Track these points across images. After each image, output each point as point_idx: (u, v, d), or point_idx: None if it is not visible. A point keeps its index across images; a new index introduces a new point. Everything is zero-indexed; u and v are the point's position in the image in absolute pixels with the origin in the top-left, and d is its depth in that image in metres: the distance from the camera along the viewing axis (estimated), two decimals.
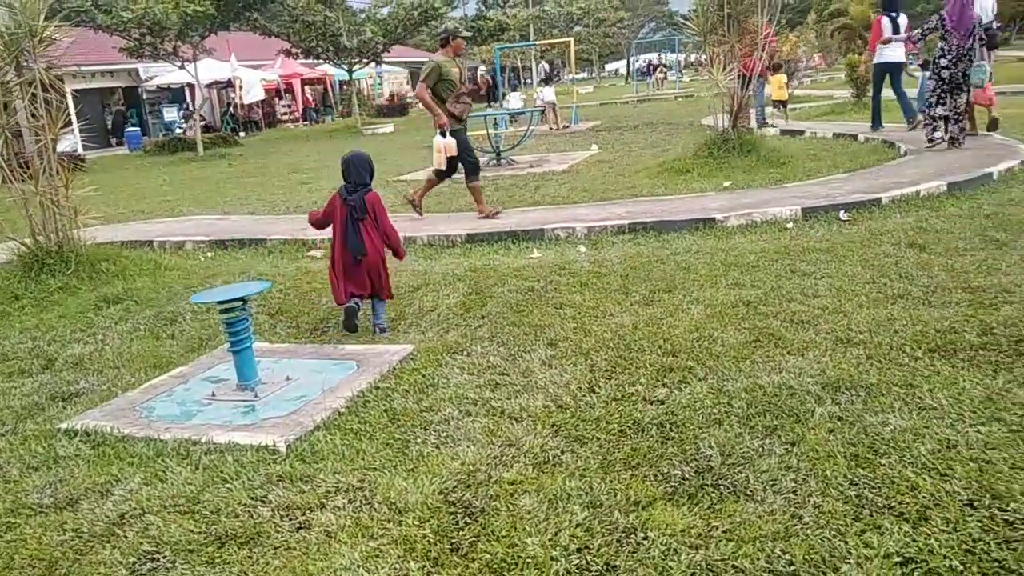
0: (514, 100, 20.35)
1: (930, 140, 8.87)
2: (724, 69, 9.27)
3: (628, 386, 3.43)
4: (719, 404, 3.15)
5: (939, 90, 8.68)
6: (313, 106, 34.47)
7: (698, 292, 4.67)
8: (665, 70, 38.32)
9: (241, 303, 3.68)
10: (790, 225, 6.14)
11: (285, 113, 32.65)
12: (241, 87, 27.59)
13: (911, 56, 11.79)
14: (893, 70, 10.63)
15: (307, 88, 34.04)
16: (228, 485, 2.87)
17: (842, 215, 6.19)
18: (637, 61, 47.83)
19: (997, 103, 9.65)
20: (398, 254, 4.78)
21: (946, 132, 8.79)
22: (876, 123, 11.09)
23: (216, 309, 3.93)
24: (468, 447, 2.99)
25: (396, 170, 12.66)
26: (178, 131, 25.66)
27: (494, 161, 12.02)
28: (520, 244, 6.51)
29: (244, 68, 27.94)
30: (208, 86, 26.52)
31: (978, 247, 4.97)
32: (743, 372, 3.43)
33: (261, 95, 28.56)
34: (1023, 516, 2.23)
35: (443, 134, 7.20)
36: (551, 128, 18.01)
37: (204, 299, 3.79)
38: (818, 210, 6.34)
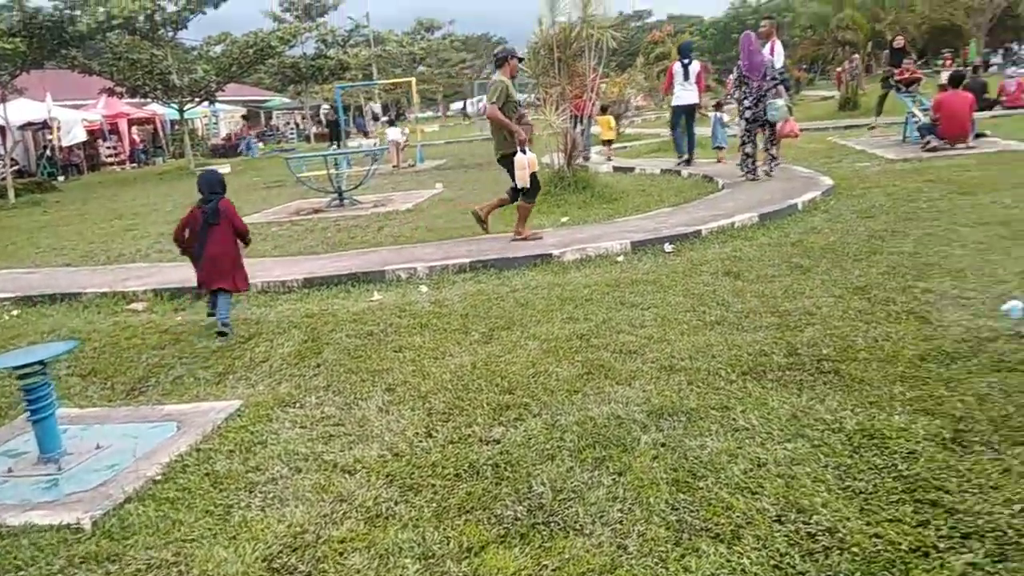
0: (392, 133, 20.04)
1: (749, 174, 9.66)
2: (556, 110, 9.66)
3: (465, 427, 3.42)
4: (552, 439, 3.20)
5: (748, 130, 9.53)
6: (142, 147, 32.51)
7: (535, 327, 4.75)
8: None
9: (40, 367, 3.34)
10: (621, 258, 6.42)
11: (110, 155, 30.54)
12: (59, 128, 25.59)
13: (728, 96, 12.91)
14: (687, 111, 11.67)
15: (134, 128, 32.09)
16: (21, 574, 2.57)
17: (667, 247, 6.55)
18: (481, 101, 48.97)
19: (801, 136, 10.71)
20: (246, 240, 5.72)
21: (755, 167, 9.60)
22: (679, 151, 12.00)
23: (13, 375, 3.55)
24: (296, 507, 2.85)
25: None
26: None
27: (336, 202, 11.80)
28: (360, 287, 6.39)
29: (62, 108, 25.95)
30: (21, 128, 24.39)
31: (785, 273, 5.40)
32: (575, 405, 3.51)
33: (82, 136, 26.59)
34: (824, 527, 2.40)
35: (523, 150, 7.22)
36: (394, 167, 17.97)
37: None
38: (646, 243, 6.68)
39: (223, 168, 22.99)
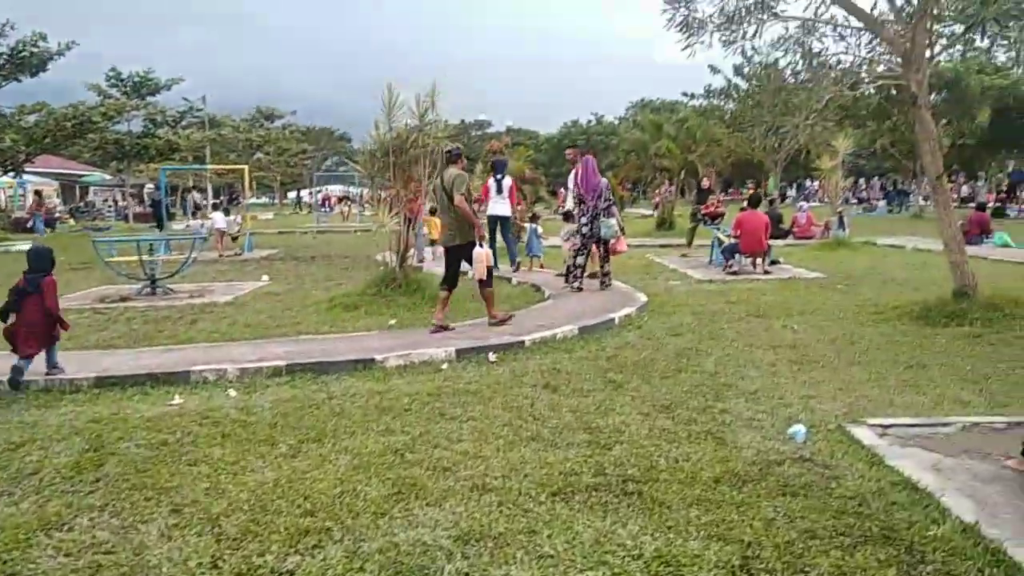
0: (218, 219, 19.10)
1: (575, 286, 10.17)
2: (391, 212, 9.71)
3: (257, 556, 3.14)
4: (351, 570, 3.00)
5: (583, 244, 10.15)
6: None
7: (348, 440, 4.55)
8: (350, 203, 39.30)
9: None
10: (445, 366, 6.39)
11: None
12: None
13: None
14: (500, 221, 12.50)
15: None
16: None
17: (491, 357, 6.61)
18: (320, 192, 48.55)
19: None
20: (64, 326, 6.24)
21: (581, 279, 10.11)
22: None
23: None
24: None
25: None
26: None
27: (147, 290, 11.00)
28: (160, 388, 5.87)
29: None
30: None
31: (599, 388, 5.58)
32: (381, 530, 3.34)
33: None
34: None
35: (481, 244, 7.73)
36: (219, 256, 17.20)
37: None
38: (471, 351, 6.70)
39: (24, 244, 21.02)
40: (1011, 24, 5.98)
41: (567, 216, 11.60)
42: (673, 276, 12.20)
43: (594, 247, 10.39)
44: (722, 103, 37.80)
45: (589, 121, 57.49)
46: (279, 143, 47.86)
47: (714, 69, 32.94)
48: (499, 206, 12.41)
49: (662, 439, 4.44)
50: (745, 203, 13.05)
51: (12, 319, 5.99)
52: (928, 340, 6.89)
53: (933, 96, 27.64)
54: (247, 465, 4.19)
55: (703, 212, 14.62)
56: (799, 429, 4.43)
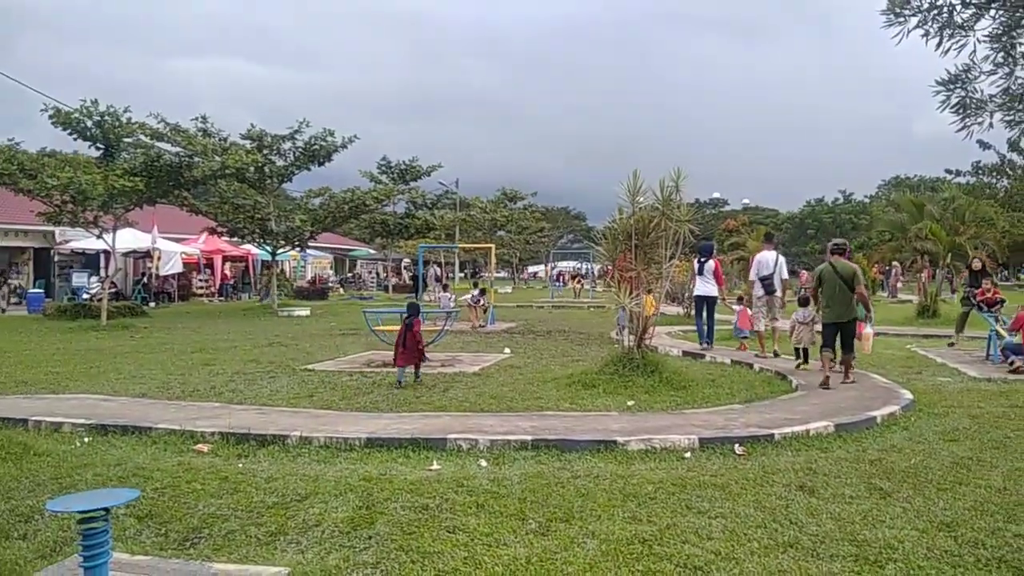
0: (444, 300, 20.83)
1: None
2: (631, 294, 9.83)
3: None
4: None
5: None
6: (231, 282, 34.33)
7: (595, 524, 4.58)
8: (582, 279, 40.37)
9: (104, 513, 3.38)
10: (688, 455, 6.24)
11: (201, 287, 32.32)
12: (159, 258, 27.39)
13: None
14: (706, 301, 13.30)
15: (227, 264, 34.07)
16: None
17: (737, 449, 6.35)
18: (555, 268, 50.40)
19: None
20: (422, 354, 9.91)
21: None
22: (701, 339, 13.36)
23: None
24: None
25: (305, 357, 12.48)
26: (84, 297, 24.88)
27: None
28: (420, 453, 6.35)
29: (165, 240, 27.91)
30: (125, 255, 26.22)
31: (863, 495, 5.12)
32: None
33: (179, 268, 28.36)
34: None
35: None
36: (472, 327, 18.36)
37: (61, 507, 3.46)
38: (715, 441, 6.49)
39: (303, 311, 24.08)
40: None
41: (803, 302, 10.96)
42: (942, 371, 10.95)
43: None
44: (994, 180, 34.00)
45: (836, 199, 54.29)
46: (520, 221, 50.63)
47: (984, 144, 29.84)
48: (704, 286, 13.37)
49: (944, 562, 3.96)
50: None
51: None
52: None
53: None
54: (500, 538, 4.36)
55: (978, 298, 13.01)
56: None
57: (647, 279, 10.30)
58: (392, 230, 34.58)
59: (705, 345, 13.12)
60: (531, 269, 75.11)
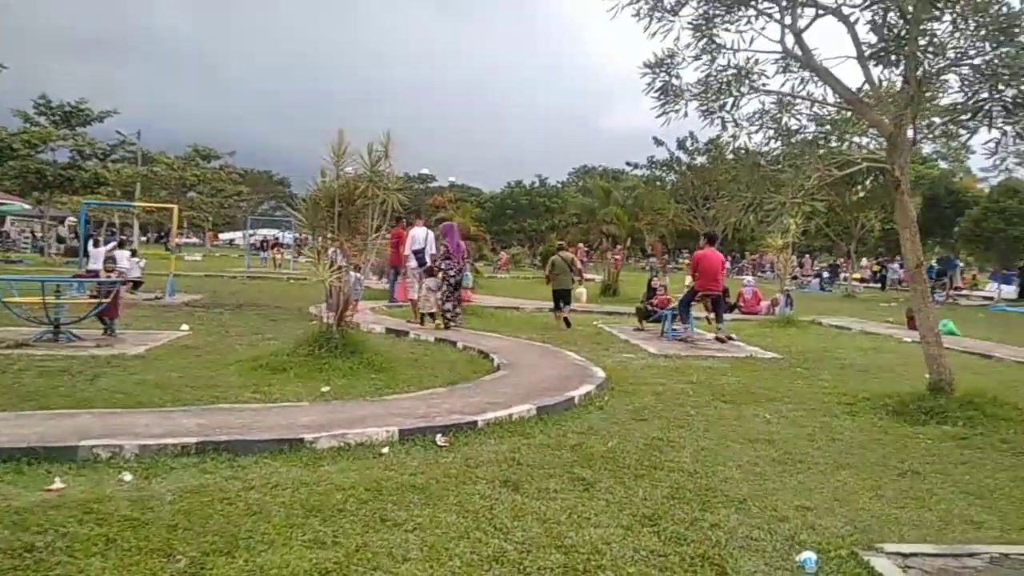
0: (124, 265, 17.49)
1: (451, 322, 12.56)
2: (332, 267, 8.89)
3: None
4: None
5: (451, 291, 12.70)
6: None
7: (266, 554, 3.66)
8: (282, 249, 38.03)
9: None
10: (386, 450, 5.53)
11: None
12: None
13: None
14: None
15: None
16: None
17: (439, 440, 5.79)
18: (254, 235, 47.08)
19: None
20: None
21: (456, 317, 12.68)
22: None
23: None
24: None
25: None
26: None
27: (50, 335, 9.81)
28: (41, 466, 4.84)
29: None
30: None
31: (567, 488, 4.83)
32: None
33: None
34: None
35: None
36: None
37: None
38: (416, 432, 5.86)
39: None
40: (1020, 113, 5.73)
41: (430, 271, 12.97)
42: (625, 348, 11.62)
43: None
44: (664, 174, 38.40)
45: (533, 183, 57.73)
46: (214, 183, 46.32)
47: (658, 141, 33.49)
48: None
49: (652, 565, 3.70)
50: (703, 241, 12.91)
51: None
52: (912, 440, 6.40)
53: (869, 181, 28.49)
54: None
55: (654, 304, 14.10)
56: (809, 557, 3.76)
57: (351, 251, 9.42)
58: (51, 182, 29.22)
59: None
60: (227, 236, 69.86)
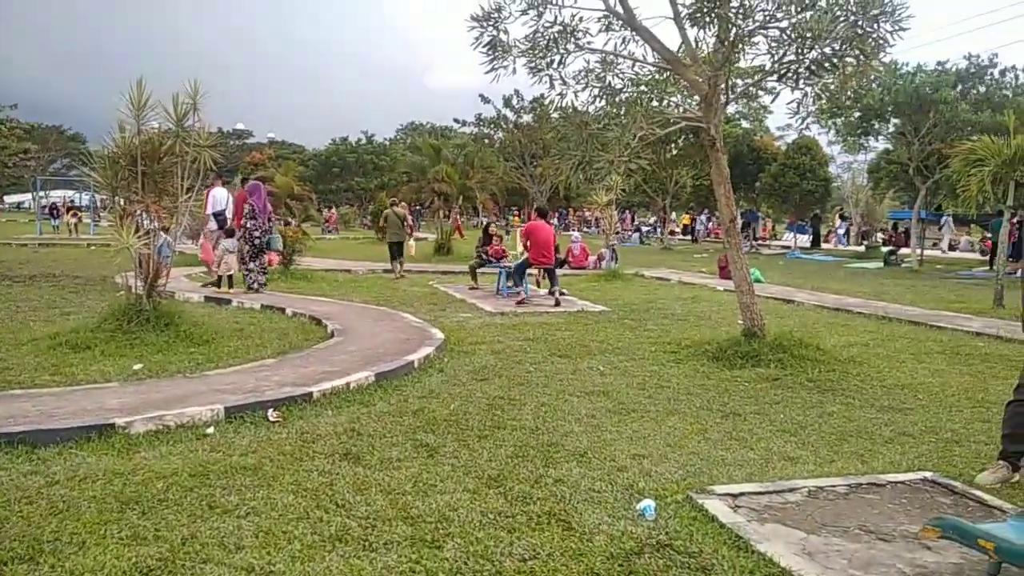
0: None
1: (255, 284, 12.21)
2: (137, 232, 8.07)
3: None
4: None
5: (255, 253, 12.25)
6: None
7: (76, 557, 3.26)
8: (79, 213, 34.44)
9: None
10: (211, 430, 5.12)
11: None
12: None
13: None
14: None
15: None
16: None
17: (271, 415, 5.45)
18: (45, 198, 42.34)
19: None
20: None
21: (257, 284, 12.23)
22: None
23: None
24: None
25: None
26: None
27: None
28: None
29: None
30: None
31: (411, 455, 4.71)
32: None
33: None
34: None
35: None
36: None
37: None
38: (244, 408, 5.48)
39: None
40: (824, 74, 6.18)
41: (229, 232, 12.55)
42: (462, 307, 11.61)
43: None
44: (492, 132, 38.54)
45: (359, 140, 55.95)
46: None
47: (484, 98, 33.39)
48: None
49: (500, 527, 3.68)
50: (534, 212, 13.22)
51: None
52: (732, 384, 6.87)
53: (682, 140, 30.23)
54: None
55: (489, 253, 14.25)
56: (648, 505, 3.91)
57: (159, 213, 8.60)
58: None
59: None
60: (13, 199, 62.27)
